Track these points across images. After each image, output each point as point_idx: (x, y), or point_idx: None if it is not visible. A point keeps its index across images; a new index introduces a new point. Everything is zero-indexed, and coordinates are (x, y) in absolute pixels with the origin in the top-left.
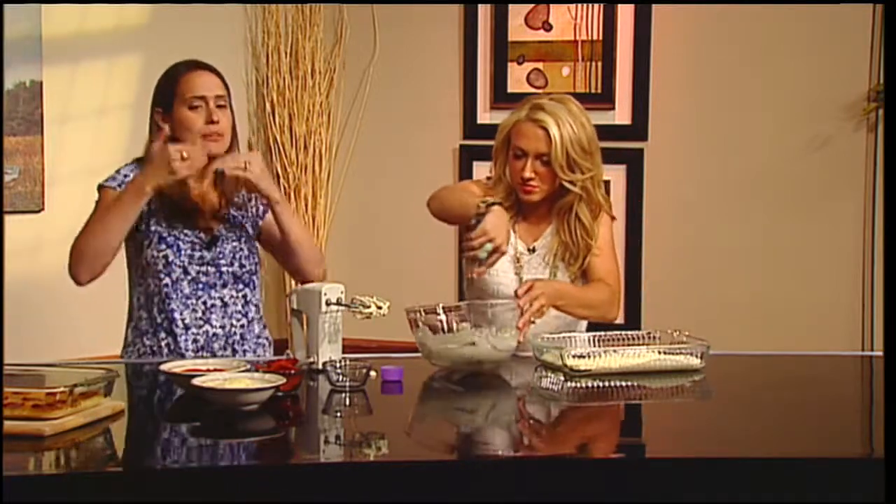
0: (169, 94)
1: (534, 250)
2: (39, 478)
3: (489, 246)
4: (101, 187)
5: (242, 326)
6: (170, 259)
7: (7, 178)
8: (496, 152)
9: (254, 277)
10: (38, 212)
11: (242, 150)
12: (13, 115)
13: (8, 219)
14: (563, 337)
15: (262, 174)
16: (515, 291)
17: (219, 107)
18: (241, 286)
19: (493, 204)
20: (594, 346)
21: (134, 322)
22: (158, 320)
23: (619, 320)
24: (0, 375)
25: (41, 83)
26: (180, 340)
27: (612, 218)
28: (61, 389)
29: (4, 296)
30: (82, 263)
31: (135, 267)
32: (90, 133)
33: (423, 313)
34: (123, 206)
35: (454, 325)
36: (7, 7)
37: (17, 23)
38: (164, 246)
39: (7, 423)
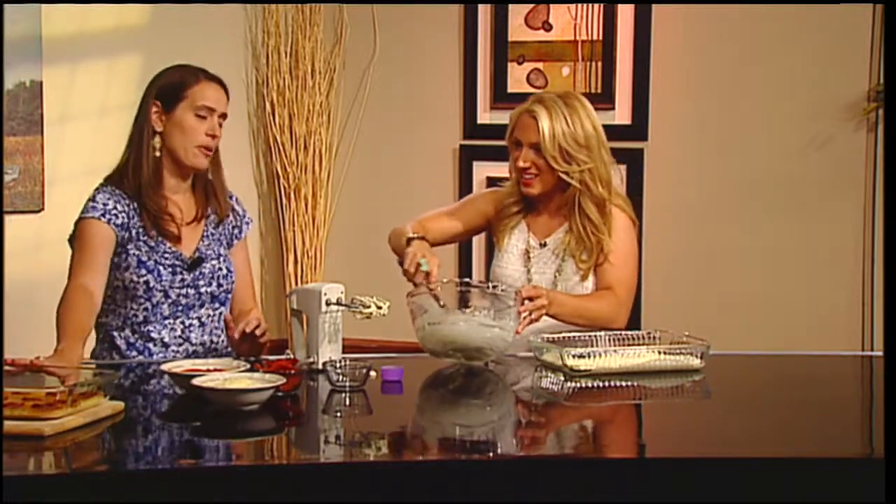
0: (177, 95)
1: (545, 245)
2: (39, 478)
3: (424, 266)
4: (80, 220)
5: (222, 341)
6: (151, 285)
7: (7, 178)
8: (508, 148)
9: (228, 296)
10: (38, 212)
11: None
12: (13, 115)
13: (8, 219)
14: (563, 337)
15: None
16: (518, 291)
17: (218, 124)
18: (217, 305)
19: (413, 239)
20: (594, 346)
21: (102, 335)
22: (132, 340)
23: None
24: (0, 375)
25: (41, 83)
26: (156, 359)
27: (634, 222)
28: (61, 389)
29: (4, 296)
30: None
31: (110, 287)
32: (90, 133)
33: (419, 294)
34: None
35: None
36: (7, 7)
37: (17, 23)
38: (144, 271)
39: (7, 423)
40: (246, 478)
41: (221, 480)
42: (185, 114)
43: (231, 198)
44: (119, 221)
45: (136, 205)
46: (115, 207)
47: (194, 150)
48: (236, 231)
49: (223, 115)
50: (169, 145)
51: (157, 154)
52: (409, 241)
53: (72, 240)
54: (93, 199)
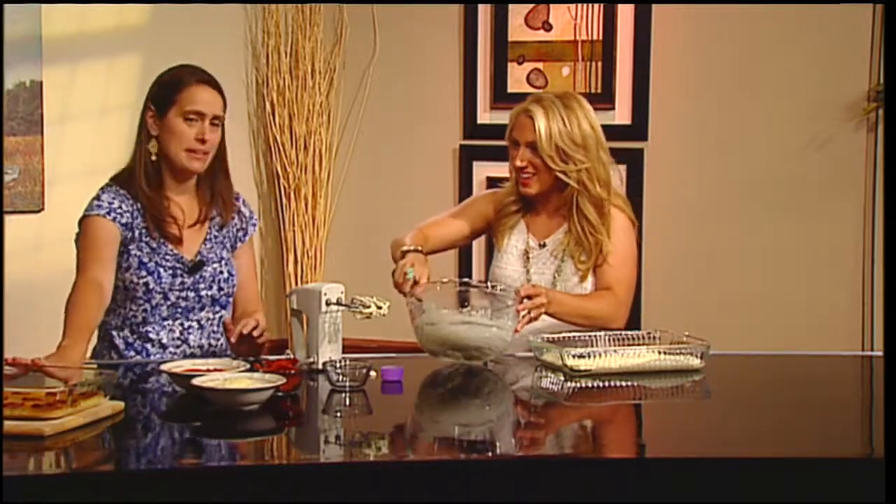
0: (168, 99)
1: (544, 245)
2: (39, 478)
3: (410, 274)
4: (85, 217)
5: (220, 344)
6: (150, 286)
7: (7, 178)
8: (507, 148)
9: (229, 299)
10: (38, 212)
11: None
12: (13, 115)
13: (8, 219)
14: (563, 337)
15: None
16: (517, 290)
17: (212, 125)
18: (217, 308)
19: (408, 251)
20: (594, 346)
21: (102, 334)
22: (130, 340)
23: None
24: (0, 375)
25: (41, 83)
26: (154, 359)
27: (633, 222)
28: (61, 389)
29: (4, 296)
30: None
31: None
32: (90, 133)
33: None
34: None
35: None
36: (7, 7)
37: (17, 23)
38: (144, 272)
39: (7, 423)
40: (246, 478)
41: (222, 480)
42: (175, 118)
43: (238, 199)
44: (123, 220)
45: (139, 205)
46: (119, 206)
47: (186, 154)
48: (241, 233)
49: (217, 118)
50: (163, 149)
51: (154, 158)
52: (404, 253)
53: (77, 239)
54: (98, 197)
